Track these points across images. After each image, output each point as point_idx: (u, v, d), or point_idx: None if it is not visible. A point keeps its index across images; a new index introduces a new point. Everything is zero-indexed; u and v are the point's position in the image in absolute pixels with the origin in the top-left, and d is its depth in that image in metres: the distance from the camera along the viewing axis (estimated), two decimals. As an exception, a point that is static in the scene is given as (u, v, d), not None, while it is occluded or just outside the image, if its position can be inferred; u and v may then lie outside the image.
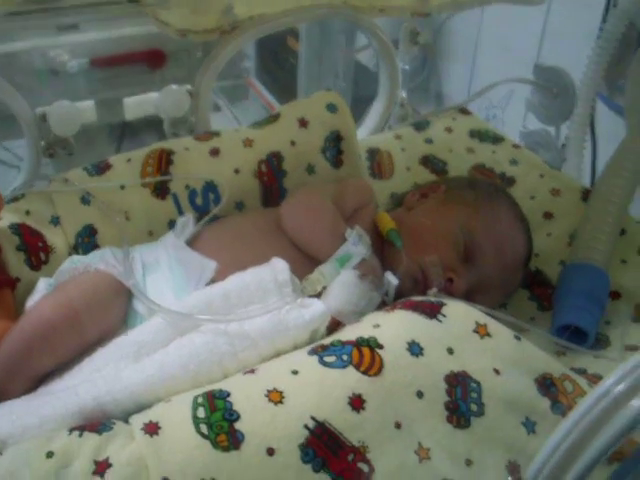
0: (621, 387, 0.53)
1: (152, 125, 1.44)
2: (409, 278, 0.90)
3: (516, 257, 0.99)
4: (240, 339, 0.73)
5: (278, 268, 0.81)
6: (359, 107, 1.45)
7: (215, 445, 0.61)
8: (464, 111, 1.36)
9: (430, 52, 2.12)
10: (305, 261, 0.86)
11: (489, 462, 0.67)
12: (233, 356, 0.73)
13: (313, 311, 0.77)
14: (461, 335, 0.73)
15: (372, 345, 0.70)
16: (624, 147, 1.09)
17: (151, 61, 1.61)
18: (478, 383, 0.70)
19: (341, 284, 0.82)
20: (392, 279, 0.86)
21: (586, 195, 1.12)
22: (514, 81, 1.46)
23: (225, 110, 2.38)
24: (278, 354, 0.74)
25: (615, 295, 0.99)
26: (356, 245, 0.86)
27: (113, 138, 1.60)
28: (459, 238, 0.94)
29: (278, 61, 2.36)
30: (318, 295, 0.82)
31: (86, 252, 0.95)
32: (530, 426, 0.69)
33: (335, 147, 1.09)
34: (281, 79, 2.35)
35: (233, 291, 0.79)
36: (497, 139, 1.27)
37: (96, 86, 1.44)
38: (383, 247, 0.96)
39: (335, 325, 0.78)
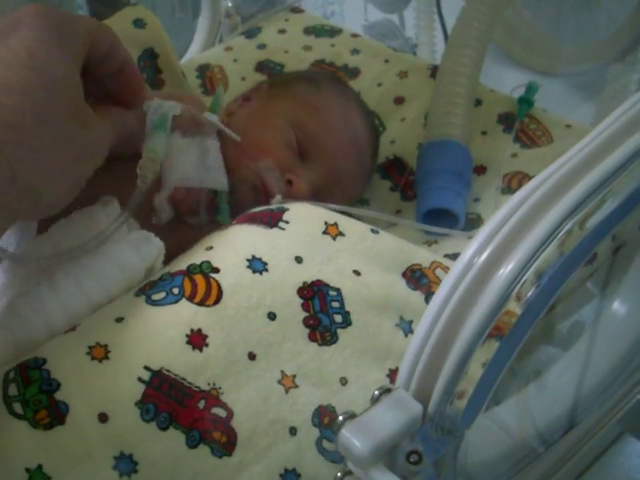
0: (483, 257, 0.43)
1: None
2: (247, 187, 0.79)
3: (358, 143, 0.89)
4: (68, 287, 0.60)
5: (106, 202, 0.66)
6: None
7: (34, 425, 0.50)
8: (296, 10, 1.26)
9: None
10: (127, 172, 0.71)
11: (368, 376, 0.59)
12: (61, 309, 0.59)
13: (148, 246, 0.64)
14: (309, 240, 0.63)
15: (205, 271, 0.59)
16: (464, 16, 1.02)
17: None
18: (337, 290, 0.61)
19: (175, 151, 0.70)
20: (213, 118, 0.74)
21: (434, 72, 1.04)
22: (344, -29, 1.37)
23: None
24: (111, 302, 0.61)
25: (481, 169, 0.92)
26: (162, 105, 0.69)
27: None
28: (290, 135, 0.83)
29: (111, 3, 2.18)
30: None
31: None
32: (406, 326, 0.61)
33: (152, 67, 0.95)
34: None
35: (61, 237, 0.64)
36: (334, 32, 1.18)
37: None
38: None
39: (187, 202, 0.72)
